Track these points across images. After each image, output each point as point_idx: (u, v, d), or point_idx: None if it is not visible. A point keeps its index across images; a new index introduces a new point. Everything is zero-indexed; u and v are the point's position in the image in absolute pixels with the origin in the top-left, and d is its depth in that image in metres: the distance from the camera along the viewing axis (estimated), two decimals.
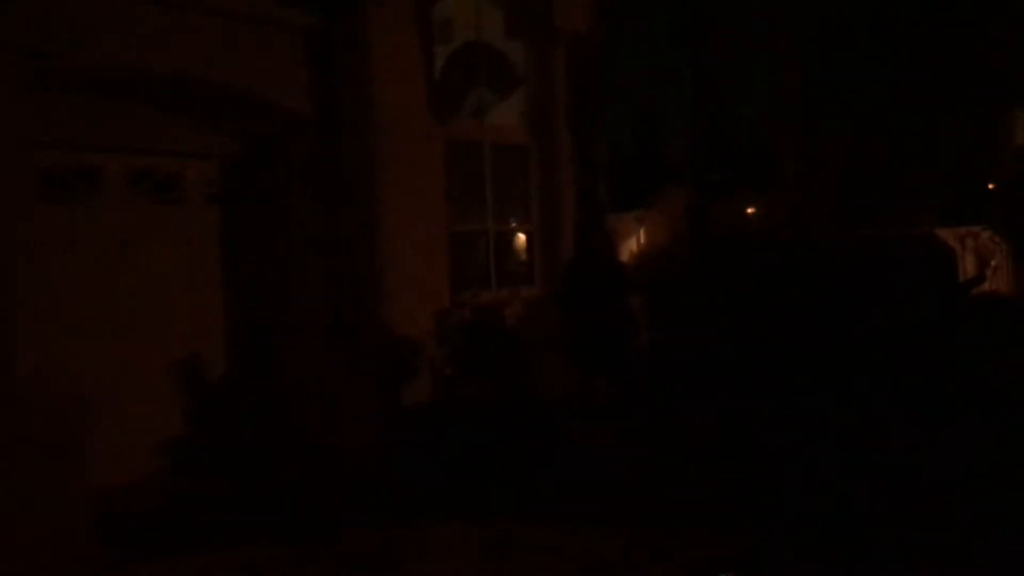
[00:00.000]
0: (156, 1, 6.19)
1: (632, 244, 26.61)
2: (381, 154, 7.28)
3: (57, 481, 5.32)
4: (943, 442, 5.74)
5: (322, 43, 7.26)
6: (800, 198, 18.12)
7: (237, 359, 7.30)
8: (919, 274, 8.71)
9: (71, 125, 6.34)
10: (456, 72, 8.93)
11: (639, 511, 4.98)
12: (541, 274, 8.87)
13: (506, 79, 9.39)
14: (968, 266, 11.29)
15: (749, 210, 25.62)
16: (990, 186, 19.04)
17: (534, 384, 7.29)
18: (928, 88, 18.30)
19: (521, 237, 9.52)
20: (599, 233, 7.90)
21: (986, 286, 11.37)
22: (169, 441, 6.73)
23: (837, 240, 9.42)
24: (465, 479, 5.76)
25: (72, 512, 5.29)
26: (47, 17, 5.61)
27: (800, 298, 6.12)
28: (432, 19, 8.40)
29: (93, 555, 4.84)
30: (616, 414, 6.87)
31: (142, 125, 6.72)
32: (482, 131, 9.03)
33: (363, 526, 4.70)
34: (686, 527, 3.71)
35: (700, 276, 6.68)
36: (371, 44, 7.26)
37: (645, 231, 27.42)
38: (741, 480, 5.39)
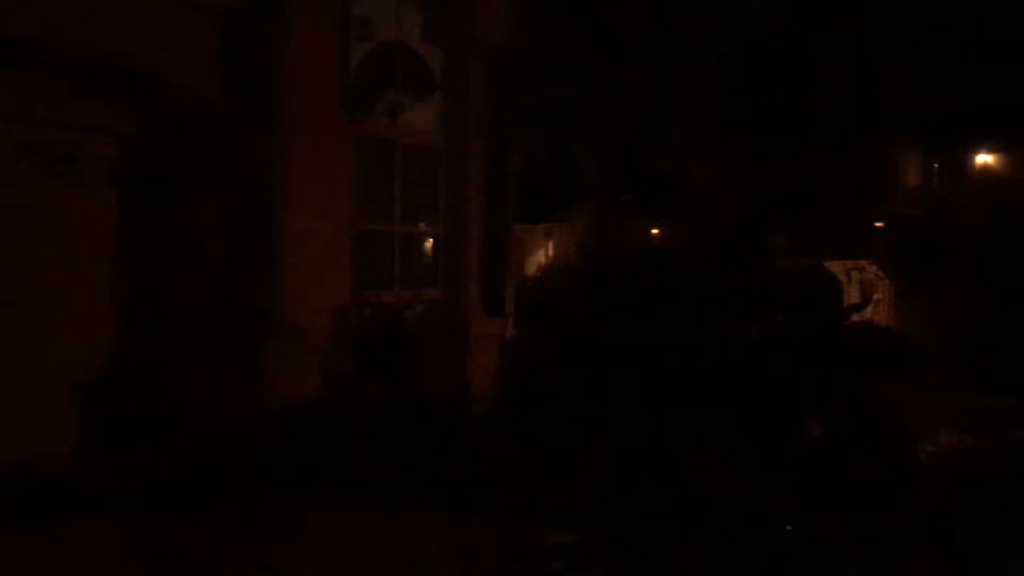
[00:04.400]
0: None
1: (540, 257, 27.03)
2: (289, 146, 7.22)
3: None
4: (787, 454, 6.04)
5: (236, 29, 7.17)
6: (703, 224, 18.70)
7: (127, 343, 7.12)
8: (806, 301, 9.08)
9: None
10: (372, 71, 8.93)
11: (510, 506, 5.18)
12: (445, 277, 8.92)
13: (422, 82, 9.43)
14: (853, 296, 11.85)
15: (654, 231, 26.33)
16: (878, 224, 20.06)
17: (428, 385, 7.33)
18: (828, 128, 19.20)
19: (427, 240, 9.56)
20: None
21: (869, 316, 11.95)
22: (49, 422, 6.52)
23: (729, 263, 9.75)
24: (345, 473, 5.78)
25: None
26: None
27: (683, 318, 6.36)
28: (352, 16, 8.40)
29: None
30: (501, 418, 7.00)
31: (37, 96, 6.51)
32: (395, 131, 9.04)
33: (237, 510, 4.73)
34: (546, 519, 3.93)
35: (584, 294, 6.87)
36: (286, 35, 7.21)
37: (554, 245, 27.90)
38: (597, 480, 5.62)
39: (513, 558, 4.43)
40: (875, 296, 12.38)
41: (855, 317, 11.18)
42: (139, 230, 7.24)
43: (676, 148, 20.73)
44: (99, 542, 2.74)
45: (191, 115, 7.25)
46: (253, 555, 3.93)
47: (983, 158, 27.75)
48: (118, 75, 6.82)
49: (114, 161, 7.13)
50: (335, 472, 5.81)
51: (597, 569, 4.36)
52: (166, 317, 7.28)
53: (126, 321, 7.15)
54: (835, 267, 11.72)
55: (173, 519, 4.85)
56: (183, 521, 5.04)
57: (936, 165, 26.56)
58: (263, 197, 7.17)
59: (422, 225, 9.51)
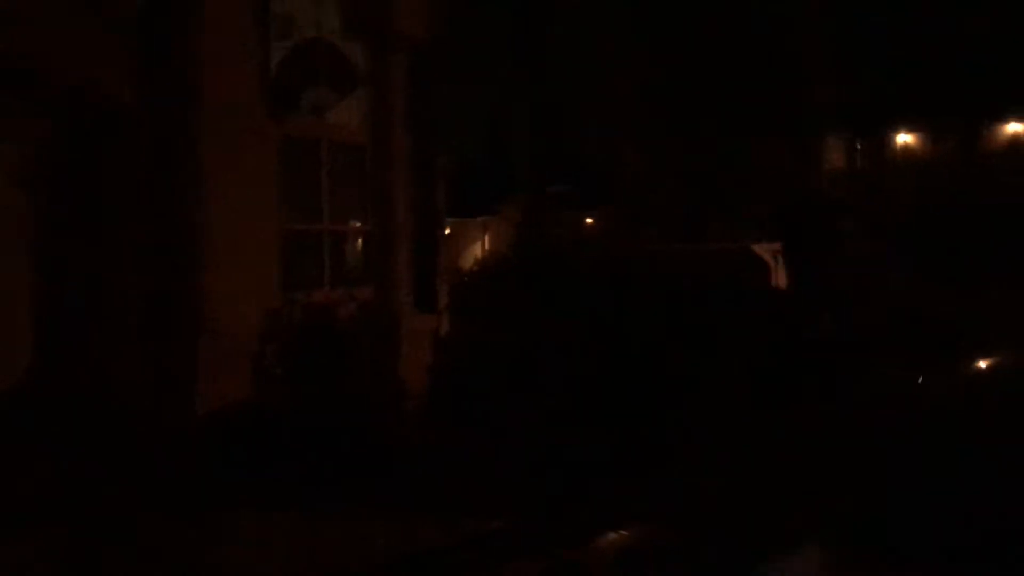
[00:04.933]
0: None
1: (477, 249, 27.05)
2: (210, 148, 7.10)
3: None
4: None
5: (150, 30, 7.03)
6: (635, 212, 18.93)
7: (51, 349, 6.95)
8: (736, 283, 9.28)
9: None
10: (295, 69, 8.83)
11: (448, 500, 5.25)
12: (376, 275, 8.86)
13: (346, 79, 9.36)
14: (780, 279, 12.11)
15: (588, 220, 26.53)
16: None
17: (362, 384, 7.30)
18: (752, 114, 19.59)
19: (358, 238, 9.50)
20: None
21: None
22: None
23: (661, 251, 9.96)
24: (281, 475, 5.74)
25: None
26: None
27: (616, 306, 6.47)
28: (271, 13, 8.29)
29: None
30: (433, 415, 7.03)
31: None
32: (320, 129, 8.95)
33: (170, 516, 4.67)
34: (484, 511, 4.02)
35: (516, 288, 6.94)
36: (202, 35, 7.09)
37: (490, 237, 27.94)
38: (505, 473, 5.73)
39: (455, 551, 4.49)
40: None
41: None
42: (61, 234, 7.06)
43: (607, 136, 20.91)
44: (25, 553, 2.68)
45: (108, 119, 7.09)
46: (193, 562, 3.88)
47: (903, 138, 28.63)
48: (30, 80, 6.63)
49: (25, 165, 6.94)
50: (271, 474, 5.76)
51: (539, 558, 4.46)
52: (92, 322, 7.12)
53: (50, 327, 6.98)
54: (762, 250, 11.97)
55: (105, 528, 4.77)
56: (115, 529, 4.96)
57: (859, 146, 27.31)
58: (186, 199, 7.05)
59: (351, 223, 9.44)
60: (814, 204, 15.06)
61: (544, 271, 6.66)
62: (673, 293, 7.62)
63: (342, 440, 6.09)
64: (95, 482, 5.81)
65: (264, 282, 7.75)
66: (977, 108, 25.42)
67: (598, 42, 19.43)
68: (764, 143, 19.83)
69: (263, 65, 8.02)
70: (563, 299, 6.41)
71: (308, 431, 6.20)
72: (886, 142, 27.32)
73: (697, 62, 19.34)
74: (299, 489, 5.59)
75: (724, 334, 7.33)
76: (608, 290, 6.53)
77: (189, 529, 4.90)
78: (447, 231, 21.67)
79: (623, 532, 4.72)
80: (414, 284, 8.99)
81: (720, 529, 4.80)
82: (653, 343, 6.54)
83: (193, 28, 7.03)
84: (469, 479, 5.74)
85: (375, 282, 8.74)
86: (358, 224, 9.32)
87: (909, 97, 24.77)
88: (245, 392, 6.93)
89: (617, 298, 6.51)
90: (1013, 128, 27.25)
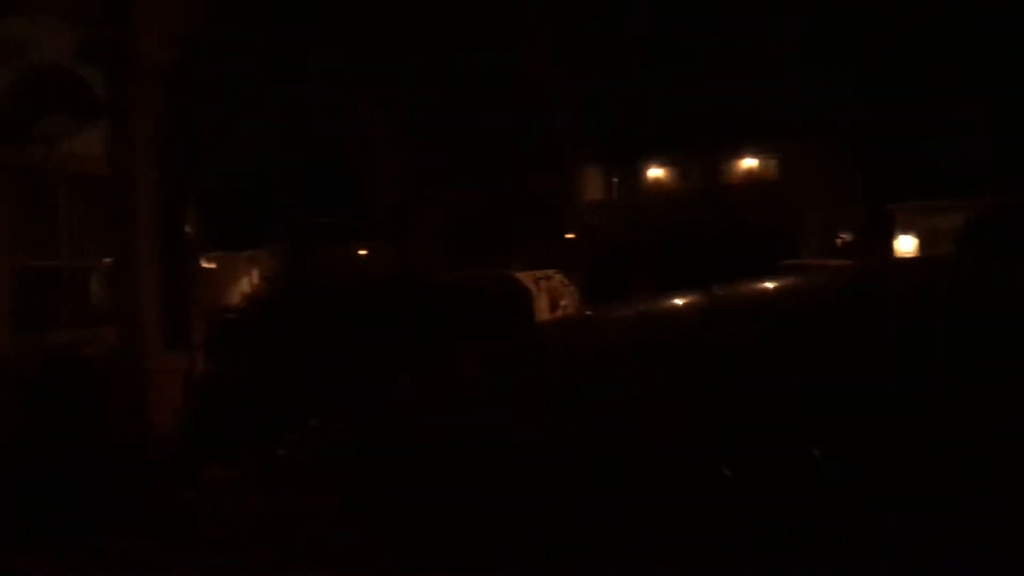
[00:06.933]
0: None
1: (245, 284, 26.17)
2: None
3: None
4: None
5: None
6: (405, 244, 19.10)
7: None
8: (498, 309, 9.61)
9: None
10: (24, 96, 8.25)
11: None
12: (121, 313, 8.38)
13: (86, 106, 8.82)
14: (543, 304, 12.61)
15: (361, 252, 26.40)
16: (569, 236, 21.64)
17: (106, 431, 6.86)
18: (519, 151, 20.46)
19: (101, 274, 8.96)
20: None
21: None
22: None
23: (423, 279, 10.13)
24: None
25: None
26: None
27: (366, 330, 6.53)
28: None
29: None
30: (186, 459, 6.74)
31: None
32: (57, 160, 8.38)
33: None
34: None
35: (272, 317, 6.85)
36: None
37: (258, 271, 27.11)
38: None
39: None
40: (562, 303, 13.24)
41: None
42: None
43: (372, 169, 20.99)
44: None
45: None
46: None
47: (654, 172, 30.85)
48: None
49: None
50: None
51: None
52: None
53: None
54: (525, 277, 12.42)
55: None
56: None
57: (615, 179, 29.15)
58: None
59: (96, 258, 8.89)
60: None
61: (295, 304, 6.60)
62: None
63: (73, 491, 5.69)
64: None
65: None
66: (717, 144, 27.91)
67: (361, 75, 19.53)
68: (527, 178, 20.71)
69: None
70: (310, 330, 6.38)
71: (35, 483, 5.74)
72: (639, 176, 29.31)
73: (459, 102, 19.96)
74: (12, 544, 5.15)
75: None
76: (354, 315, 6.59)
77: None
78: (213, 266, 20.87)
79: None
80: (165, 321, 8.58)
81: None
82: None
83: None
84: (215, 532, 5.51)
85: (120, 321, 8.27)
86: (101, 259, 8.78)
87: (658, 134, 26.83)
88: None
89: (359, 326, 6.58)
90: (748, 163, 30.11)
